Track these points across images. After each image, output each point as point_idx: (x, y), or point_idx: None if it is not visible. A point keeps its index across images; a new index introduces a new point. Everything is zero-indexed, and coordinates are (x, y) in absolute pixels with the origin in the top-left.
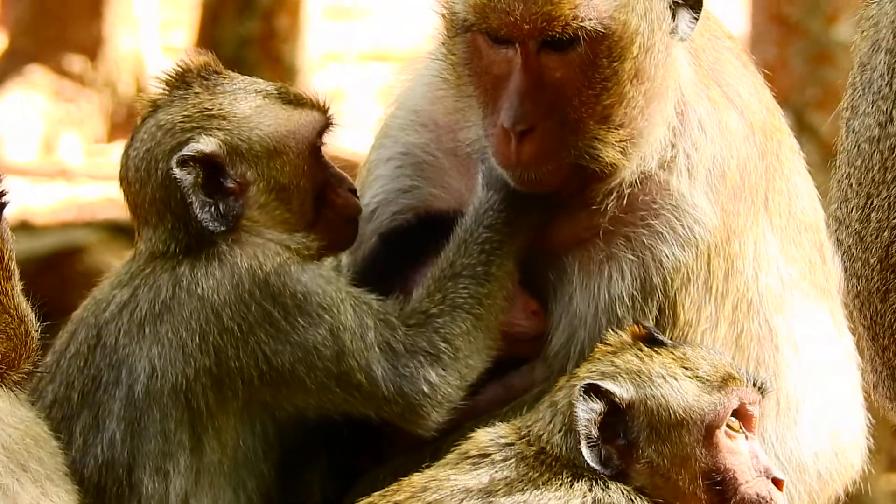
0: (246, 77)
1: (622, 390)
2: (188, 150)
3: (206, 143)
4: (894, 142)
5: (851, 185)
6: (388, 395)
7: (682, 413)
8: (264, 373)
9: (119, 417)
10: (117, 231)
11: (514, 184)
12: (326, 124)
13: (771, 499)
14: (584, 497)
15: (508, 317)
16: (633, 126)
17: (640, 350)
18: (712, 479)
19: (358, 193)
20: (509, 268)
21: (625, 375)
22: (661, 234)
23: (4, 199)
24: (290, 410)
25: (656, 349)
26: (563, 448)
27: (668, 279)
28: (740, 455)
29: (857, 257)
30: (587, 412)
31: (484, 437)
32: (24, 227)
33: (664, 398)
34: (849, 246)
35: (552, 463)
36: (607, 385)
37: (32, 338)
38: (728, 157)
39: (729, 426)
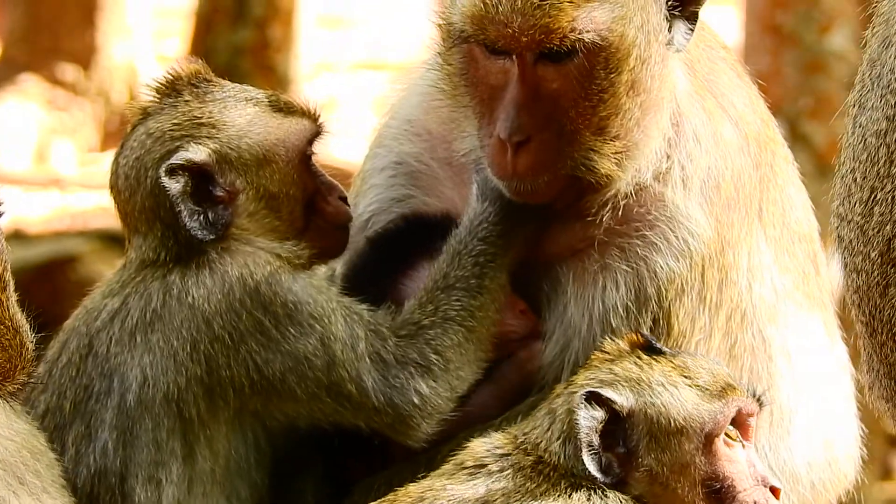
0: (236, 85)
1: (622, 398)
2: (177, 159)
3: (196, 152)
4: None
5: (856, 180)
6: (379, 405)
7: (682, 421)
8: (255, 382)
9: (111, 426)
10: (110, 240)
11: (509, 194)
12: (317, 132)
13: None
14: None
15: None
16: (628, 137)
17: (639, 358)
18: (711, 486)
19: (352, 203)
20: (502, 280)
21: (625, 383)
22: (656, 244)
23: (0, 208)
24: (281, 420)
25: (655, 357)
26: (562, 456)
27: (663, 290)
28: (738, 464)
29: (858, 252)
30: (588, 420)
31: (480, 447)
32: (16, 237)
33: (664, 406)
34: (850, 241)
35: (550, 473)
36: (608, 393)
37: (28, 348)
38: (723, 168)
39: (727, 435)
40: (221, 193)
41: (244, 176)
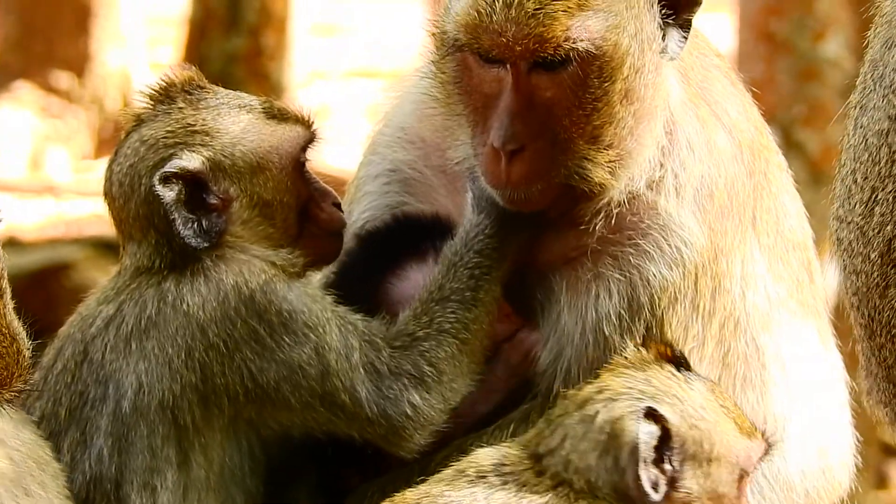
0: (230, 91)
1: (674, 416)
2: (171, 167)
3: (189, 160)
4: None
5: (856, 181)
6: (372, 416)
7: (723, 450)
8: (249, 390)
9: (106, 433)
10: (105, 247)
11: (503, 203)
12: (310, 139)
13: None
14: None
15: None
16: (622, 146)
17: (674, 374)
18: None
19: (346, 210)
20: (496, 293)
21: (668, 399)
22: (649, 253)
23: None
24: (276, 428)
25: (688, 376)
26: (598, 471)
27: (656, 298)
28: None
29: (858, 253)
30: (647, 435)
31: (481, 456)
32: (11, 244)
33: (708, 431)
34: (849, 242)
35: (560, 489)
36: (664, 410)
37: (24, 356)
38: (716, 177)
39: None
40: (215, 201)
41: (238, 183)
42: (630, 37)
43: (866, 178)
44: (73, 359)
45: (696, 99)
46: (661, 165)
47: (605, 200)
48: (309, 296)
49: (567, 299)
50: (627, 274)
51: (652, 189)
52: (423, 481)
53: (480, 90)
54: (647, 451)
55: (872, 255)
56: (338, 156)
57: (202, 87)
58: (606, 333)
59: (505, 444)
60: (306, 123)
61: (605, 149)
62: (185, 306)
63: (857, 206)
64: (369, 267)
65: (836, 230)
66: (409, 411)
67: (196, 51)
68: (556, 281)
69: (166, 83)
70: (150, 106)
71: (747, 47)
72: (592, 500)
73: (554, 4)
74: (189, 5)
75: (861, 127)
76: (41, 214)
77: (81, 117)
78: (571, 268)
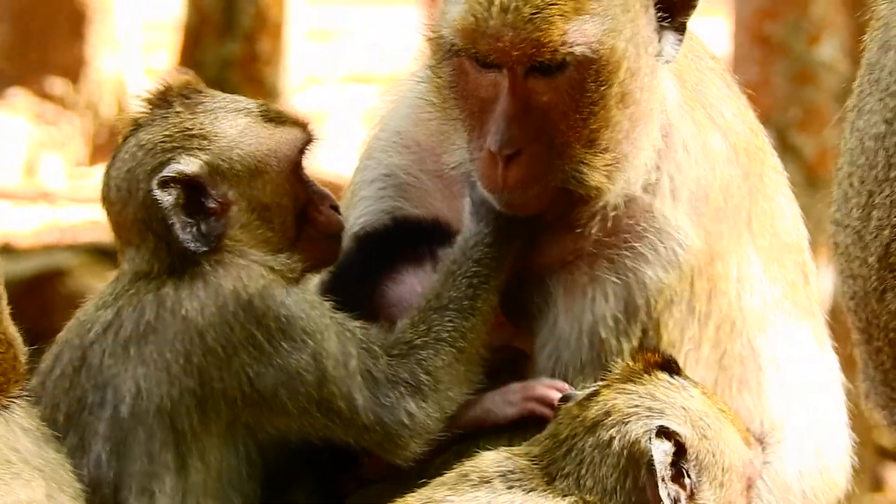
0: (227, 95)
1: (686, 430)
2: (169, 171)
3: (187, 164)
4: None
5: (853, 185)
6: (368, 423)
7: (733, 460)
8: (247, 395)
9: (105, 438)
10: (100, 254)
11: (499, 207)
12: (308, 141)
13: None
14: None
15: None
16: (618, 150)
17: (670, 383)
18: None
19: (343, 215)
20: (494, 301)
21: (677, 412)
22: (645, 256)
23: None
24: (273, 433)
25: (682, 383)
26: (608, 493)
27: (652, 301)
28: None
29: (855, 257)
30: (661, 454)
31: (485, 462)
32: (5, 250)
33: (717, 441)
34: (846, 247)
35: (570, 497)
36: (677, 427)
37: (21, 362)
38: (711, 179)
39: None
40: (214, 205)
41: (236, 187)
42: (626, 40)
43: (863, 181)
44: (71, 364)
45: (692, 102)
46: (657, 168)
47: (602, 204)
48: (307, 302)
49: (563, 302)
50: (623, 277)
51: (648, 192)
52: (422, 486)
53: (476, 94)
54: (663, 469)
55: (870, 259)
56: (334, 161)
57: (199, 91)
58: (602, 336)
59: (510, 450)
60: (303, 126)
61: (601, 152)
62: (183, 311)
63: (855, 210)
64: (365, 269)
65: (834, 234)
66: (405, 419)
67: (191, 56)
68: (552, 284)
69: (163, 87)
70: (147, 110)
71: (742, 50)
72: None
73: (550, 9)
74: (184, 10)
75: (857, 130)
76: (36, 221)
77: (76, 124)
78: (567, 271)
